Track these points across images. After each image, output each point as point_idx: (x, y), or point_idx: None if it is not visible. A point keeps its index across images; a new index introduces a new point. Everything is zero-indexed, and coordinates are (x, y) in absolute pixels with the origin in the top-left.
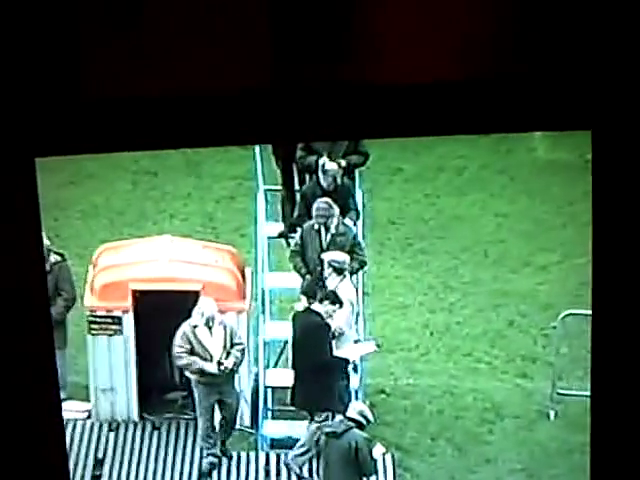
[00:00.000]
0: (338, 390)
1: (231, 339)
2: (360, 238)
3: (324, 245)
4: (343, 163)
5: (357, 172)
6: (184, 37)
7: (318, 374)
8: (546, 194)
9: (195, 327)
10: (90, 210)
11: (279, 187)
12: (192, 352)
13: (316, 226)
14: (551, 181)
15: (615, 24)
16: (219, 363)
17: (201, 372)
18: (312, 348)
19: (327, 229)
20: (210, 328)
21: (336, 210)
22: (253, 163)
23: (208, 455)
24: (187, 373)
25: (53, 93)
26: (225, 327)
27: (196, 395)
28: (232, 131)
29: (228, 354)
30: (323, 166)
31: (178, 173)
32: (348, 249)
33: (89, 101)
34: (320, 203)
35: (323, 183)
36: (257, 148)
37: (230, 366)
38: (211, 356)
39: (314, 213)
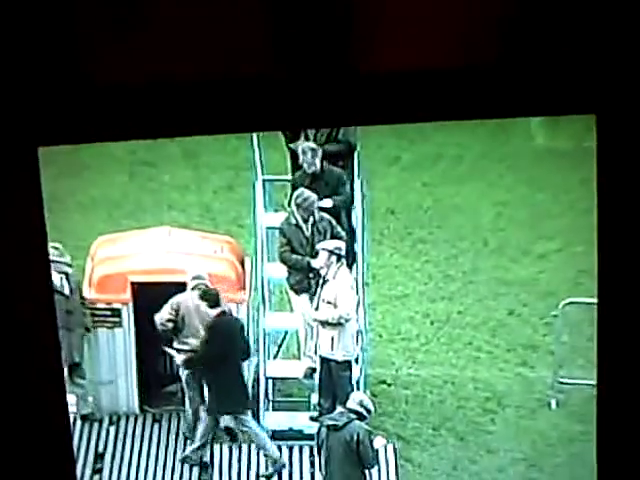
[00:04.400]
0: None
1: None
2: (359, 224)
3: (307, 235)
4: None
5: (356, 161)
6: (185, 24)
7: (237, 376)
8: (545, 182)
9: None
10: (87, 202)
11: (277, 177)
12: None
13: (293, 221)
14: (549, 169)
15: (618, 7)
16: None
17: None
18: (235, 350)
19: (306, 220)
20: None
21: (314, 196)
22: (251, 153)
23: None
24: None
25: (55, 82)
26: None
27: None
28: (233, 118)
29: None
30: (303, 148)
31: (175, 164)
32: (330, 236)
33: (91, 90)
34: (303, 195)
35: (305, 165)
36: (255, 138)
37: None
38: None
39: (303, 205)
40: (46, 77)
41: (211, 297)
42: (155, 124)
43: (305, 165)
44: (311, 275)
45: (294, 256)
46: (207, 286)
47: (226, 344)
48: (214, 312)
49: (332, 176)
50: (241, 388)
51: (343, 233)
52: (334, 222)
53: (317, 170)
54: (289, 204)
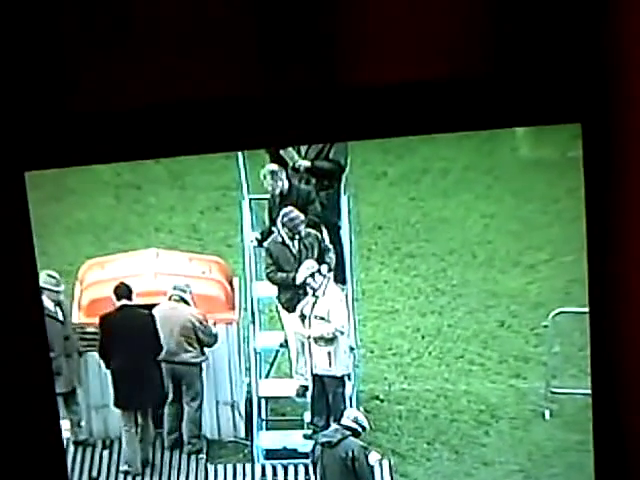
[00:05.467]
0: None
1: None
2: (346, 240)
3: (295, 252)
4: (305, 164)
5: (343, 177)
6: (171, 47)
7: (149, 370)
8: (531, 193)
9: None
10: (74, 226)
11: (264, 196)
12: None
13: (279, 239)
14: (536, 179)
15: (599, 19)
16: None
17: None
18: (141, 344)
19: (292, 238)
20: None
21: (302, 216)
22: (237, 172)
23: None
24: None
25: (41, 107)
26: None
27: (201, 381)
28: (223, 138)
29: None
30: (263, 173)
31: (161, 185)
32: (317, 252)
33: (77, 114)
34: (289, 215)
35: (269, 189)
36: (240, 157)
37: None
38: None
39: (288, 225)
40: (31, 103)
41: (119, 290)
42: (140, 146)
43: (269, 188)
44: (300, 292)
45: (280, 274)
46: (183, 298)
47: (126, 337)
48: (118, 304)
49: (300, 194)
50: (152, 384)
51: (331, 246)
52: (320, 237)
53: (284, 190)
54: (271, 224)
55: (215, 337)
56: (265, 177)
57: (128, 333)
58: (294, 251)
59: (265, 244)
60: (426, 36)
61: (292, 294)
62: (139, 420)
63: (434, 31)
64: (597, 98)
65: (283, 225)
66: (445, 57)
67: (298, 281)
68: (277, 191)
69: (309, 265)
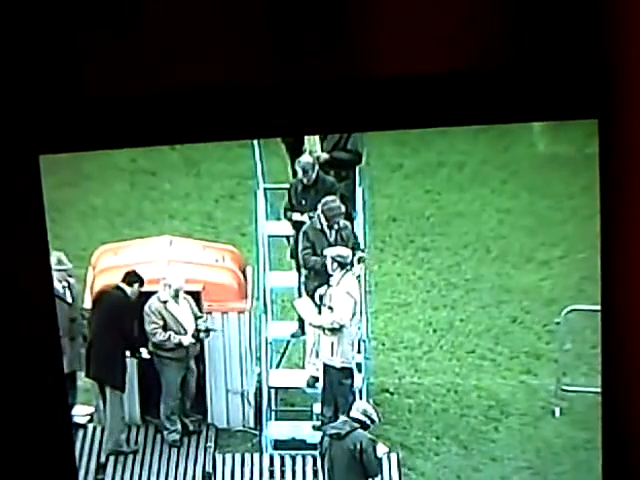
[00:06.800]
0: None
1: (198, 308)
2: (360, 232)
3: (331, 242)
4: (324, 156)
5: (357, 169)
6: (184, 35)
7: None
8: (547, 189)
9: (165, 302)
10: (88, 211)
11: (279, 185)
12: (165, 328)
13: (318, 226)
14: (552, 176)
15: (618, 16)
16: (198, 331)
17: (176, 346)
18: (119, 325)
19: (330, 227)
20: (177, 301)
21: (342, 207)
22: (252, 161)
23: (172, 432)
24: (156, 351)
25: (56, 92)
26: (188, 298)
27: (164, 373)
28: (234, 125)
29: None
30: (303, 167)
31: (177, 172)
32: (351, 244)
33: (92, 99)
34: (329, 204)
35: (305, 181)
36: (256, 146)
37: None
38: (185, 329)
39: (327, 214)
40: (47, 87)
41: (128, 277)
42: (155, 132)
43: (305, 180)
44: (325, 281)
45: (314, 257)
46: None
47: (107, 315)
48: (113, 284)
49: (324, 185)
50: (119, 364)
51: (362, 246)
52: (354, 233)
53: (311, 180)
54: (285, 214)
55: (142, 333)
56: (304, 169)
57: (106, 310)
58: (330, 240)
59: (304, 228)
60: (443, 29)
61: (320, 282)
62: (110, 396)
63: (452, 25)
64: (614, 95)
65: (322, 212)
66: (463, 52)
67: (326, 253)
68: (305, 181)
69: (340, 252)
